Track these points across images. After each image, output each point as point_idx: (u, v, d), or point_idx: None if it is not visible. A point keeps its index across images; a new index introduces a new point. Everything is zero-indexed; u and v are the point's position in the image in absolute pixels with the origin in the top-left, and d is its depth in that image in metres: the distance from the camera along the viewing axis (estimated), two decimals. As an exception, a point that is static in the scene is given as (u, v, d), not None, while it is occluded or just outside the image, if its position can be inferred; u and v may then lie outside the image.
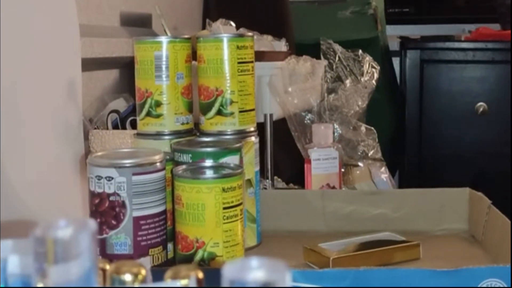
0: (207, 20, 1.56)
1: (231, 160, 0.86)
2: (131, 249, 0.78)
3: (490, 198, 0.94)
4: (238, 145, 0.89)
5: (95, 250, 0.36)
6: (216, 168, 0.84)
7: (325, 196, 1.03)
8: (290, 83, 1.42)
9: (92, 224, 0.35)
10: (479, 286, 0.66)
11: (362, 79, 1.46)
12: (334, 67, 1.51)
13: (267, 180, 1.33)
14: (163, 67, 0.91)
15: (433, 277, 0.66)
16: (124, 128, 1.24)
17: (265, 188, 1.29)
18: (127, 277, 0.45)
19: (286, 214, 1.03)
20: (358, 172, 1.38)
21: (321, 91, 1.69)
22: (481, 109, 2.39)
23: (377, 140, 1.47)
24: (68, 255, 0.34)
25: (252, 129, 0.95)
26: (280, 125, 1.40)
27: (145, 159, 0.79)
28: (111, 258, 0.77)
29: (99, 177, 0.78)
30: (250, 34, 0.99)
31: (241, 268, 0.32)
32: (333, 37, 2.57)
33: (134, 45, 0.93)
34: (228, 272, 0.32)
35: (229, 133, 0.93)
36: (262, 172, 1.21)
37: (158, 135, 0.92)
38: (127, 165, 0.78)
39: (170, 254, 0.86)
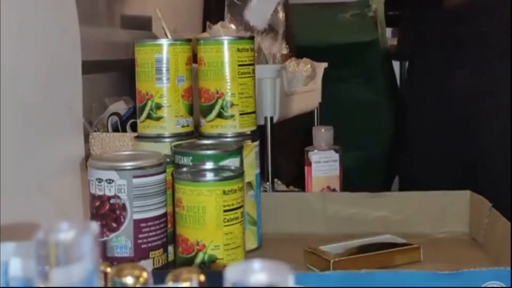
0: (207, 23, 1.56)
1: (232, 162, 0.86)
2: (131, 252, 0.78)
3: (489, 197, 0.95)
4: (238, 147, 0.89)
5: (97, 253, 0.35)
6: (216, 170, 0.84)
7: (326, 199, 1.03)
8: (291, 86, 1.42)
9: (94, 226, 0.35)
10: (480, 288, 0.66)
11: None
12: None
13: (268, 183, 1.33)
14: (164, 69, 0.91)
15: (434, 280, 0.66)
16: (124, 130, 1.24)
17: (266, 191, 1.29)
18: (129, 280, 0.44)
19: (287, 217, 1.02)
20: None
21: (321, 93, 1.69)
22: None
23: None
24: (70, 258, 0.34)
25: (252, 131, 0.95)
26: (281, 128, 1.40)
27: (145, 162, 0.79)
28: (111, 261, 0.76)
29: (100, 180, 0.78)
30: (250, 36, 0.99)
31: (244, 270, 0.32)
32: (333, 39, 2.58)
33: (135, 48, 0.93)
34: (231, 274, 0.32)
35: (229, 135, 0.93)
36: (263, 175, 1.21)
37: (158, 137, 0.92)
38: (128, 167, 0.78)
39: (171, 257, 0.86)
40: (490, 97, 1.62)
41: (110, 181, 0.77)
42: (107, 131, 1.23)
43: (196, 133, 0.95)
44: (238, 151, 0.88)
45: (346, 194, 1.05)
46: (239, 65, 0.93)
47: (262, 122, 1.30)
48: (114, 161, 0.79)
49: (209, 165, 0.85)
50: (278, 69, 1.34)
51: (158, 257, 0.80)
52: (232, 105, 0.93)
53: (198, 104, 0.95)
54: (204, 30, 1.60)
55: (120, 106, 1.32)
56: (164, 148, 0.90)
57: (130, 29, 1.54)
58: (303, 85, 1.53)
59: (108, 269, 0.48)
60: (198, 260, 0.79)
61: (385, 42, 2.74)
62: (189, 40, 0.94)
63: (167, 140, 0.92)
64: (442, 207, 1.01)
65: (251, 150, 0.94)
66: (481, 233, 0.94)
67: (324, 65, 1.66)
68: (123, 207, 0.77)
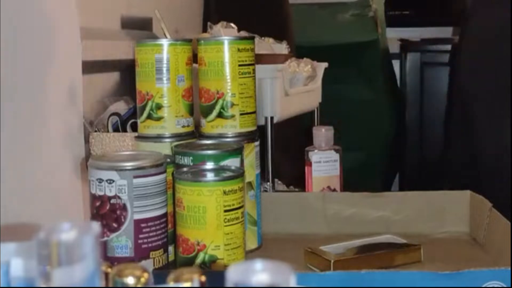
0: (208, 23, 1.56)
1: (232, 162, 0.86)
2: (132, 252, 0.78)
3: (490, 197, 0.95)
4: (239, 147, 0.89)
5: (99, 253, 0.35)
6: (217, 170, 0.84)
7: (326, 199, 1.03)
8: (291, 86, 1.42)
9: (96, 227, 0.35)
10: (480, 288, 0.66)
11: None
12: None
13: (268, 183, 1.33)
14: (164, 69, 0.91)
15: (434, 280, 0.66)
16: (124, 130, 1.24)
17: (266, 191, 1.29)
18: (130, 280, 0.44)
19: (287, 217, 1.02)
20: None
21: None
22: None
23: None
24: (72, 258, 0.34)
25: (253, 131, 0.95)
26: (281, 128, 1.40)
27: (146, 162, 0.79)
28: (112, 261, 0.76)
29: (100, 180, 0.78)
30: (251, 36, 0.99)
31: (245, 270, 0.32)
32: (333, 39, 2.58)
33: (135, 48, 0.93)
34: (232, 274, 0.32)
35: (230, 135, 0.93)
36: (263, 175, 1.21)
37: (159, 137, 0.92)
38: (128, 168, 0.78)
39: (171, 257, 0.86)
40: None
41: (110, 181, 0.77)
42: (108, 131, 1.23)
43: (196, 133, 0.96)
44: (238, 151, 0.88)
45: (346, 194, 1.04)
46: (240, 65, 0.93)
47: (262, 122, 1.31)
48: (115, 161, 0.79)
49: (209, 165, 0.85)
50: (278, 69, 1.34)
51: (158, 257, 0.80)
52: (232, 105, 0.93)
53: (199, 104, 0.95)
54: (204, 30, 1.60)
55: (120, 106, 1.32)
56: (165, 148, 0.90)
57: (131, 29, 1.54)
58: (303, 85, 1.53)
59: (109, 269, 0.48)
60: (199, 260, 0.79)
61: (385, 42, 2.74)
62: (189, 40, 0.94)
63: (167, 140, 0.92)
64: (442, 207, 1.01)
65: (251, 150, 0.94)
66: (481, 233, 0.94)
67: (324, 65, 1.66)
68: (124, 207, 0.77)
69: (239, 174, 0.82)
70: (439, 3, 2.94)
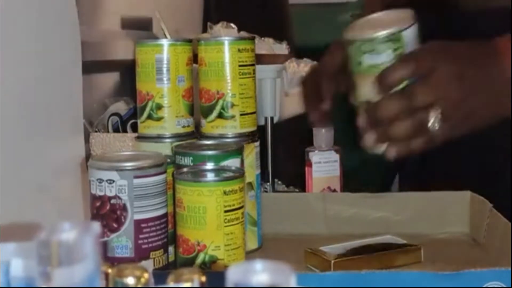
0: (208, 23, 1.57)
1: (232, 163, 0.86)
2: (132, 252, 0.78)
3: (492, 197, 0.95)
4: (239, 148, 0.89)
5: (99, 253, 0.35)
6: (217, 171, 0.84)
7: (326, 199, 1.03)
8: (291, 86, 1.42)
9: (96, 227, 0.35)
10: (480, 289, 0.66)
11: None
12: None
13: (268, 183, 1.33)
14: (164, 70, 0.91)
15: (435, 280, 0.66)
16: (125, 131, 1.24)
17: (266, 191, 1.29)
18: (130, 280, 0.44)
19: (287, 217, 1.03)
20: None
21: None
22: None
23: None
24: (72, 258, 0.34)
25: (253, 132, 0.95)
26: (281, 128, 1.40)
27: (146, 162, 0.79)
28: (112, 261, 0.76)
29: (100, 180, 0.78)
30: (251, 37, 0.99)
31: (246, 271, 0.32)
32: (334, 39, 2.58)
33: (135, 48, 0.93)
34: (233, 275, 0.32)
35: (230, 136, 0.93)
36: (263, 175, 1.21)
37: (159, 138, 0.92)
38: (128, 168, 0.78)
39: (171, 257, 0.86)
40: None
41: (110, 181, 0.77)
42: (108, 132, 1.23)
43: (196, 133, 0.96)
44: (238, 152, 0.88)
45: (346, 195, 1.05)
46: (240, 66, 0.93)
47: (262, 123, 1.31)
48: (115, 161, 0.79)
49: (209, 165, 0.85)
50: (278, 69, 1.34)
51: (158, 258, 0.80)
52: (232, 105, 0.93)
53: (199, 104, 0.95)
54: (204, 30, 1.60)
55: (121, 107, 1.32)
56: (165, 148, 0.90)
57: (131, 29, 1.54)
58: (303, 86, 1.52)
59: (109, 270, 0.48)
60: (199, 260, 0.79)
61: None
62: (189, 40, 0.94)
63: (167, 140, 0.92)
64: (442, 208, 1.01)
65: (251, 151, 0.94)
66: (481, 233, 0.94)
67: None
68: (124, 208, 0.77)
69: (239, 174, 0.82)
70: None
